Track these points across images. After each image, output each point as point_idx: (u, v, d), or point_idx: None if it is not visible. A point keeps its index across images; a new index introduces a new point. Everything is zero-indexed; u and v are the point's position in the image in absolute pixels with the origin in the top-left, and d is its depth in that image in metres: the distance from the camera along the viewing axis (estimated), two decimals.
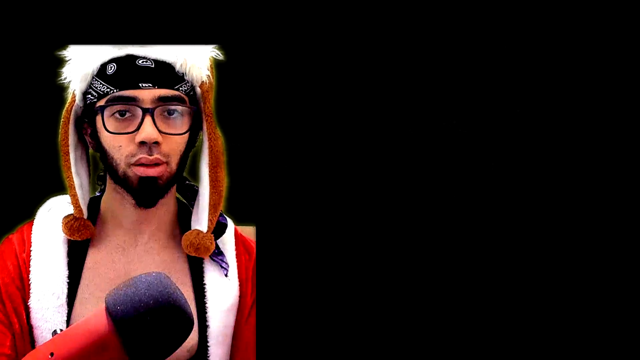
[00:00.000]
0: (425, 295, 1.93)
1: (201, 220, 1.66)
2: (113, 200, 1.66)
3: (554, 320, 1.93)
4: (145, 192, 1.61)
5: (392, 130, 1.95)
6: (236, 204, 1.83)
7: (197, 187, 1.69)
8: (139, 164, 1.57)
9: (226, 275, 1.67)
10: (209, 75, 1.64)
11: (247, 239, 1.76)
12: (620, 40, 1.95)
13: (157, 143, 1.57)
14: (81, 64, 1.61)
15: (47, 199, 1.74)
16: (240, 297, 1.68)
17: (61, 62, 1.65)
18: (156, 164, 1.58)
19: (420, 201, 1.94)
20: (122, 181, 1.61)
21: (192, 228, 1.67)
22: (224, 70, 1.73)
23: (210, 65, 1.66)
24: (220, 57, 1.68)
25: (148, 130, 1.55)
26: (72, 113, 1.63)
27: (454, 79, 1.95)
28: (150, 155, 1.57)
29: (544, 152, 1.95)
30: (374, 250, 1.93)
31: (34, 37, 1.93)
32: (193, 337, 1.61)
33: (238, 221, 1.80)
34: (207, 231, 1.65)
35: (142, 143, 1.56)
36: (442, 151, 1.94)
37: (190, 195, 1.72)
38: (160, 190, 1.62)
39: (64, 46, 1.65)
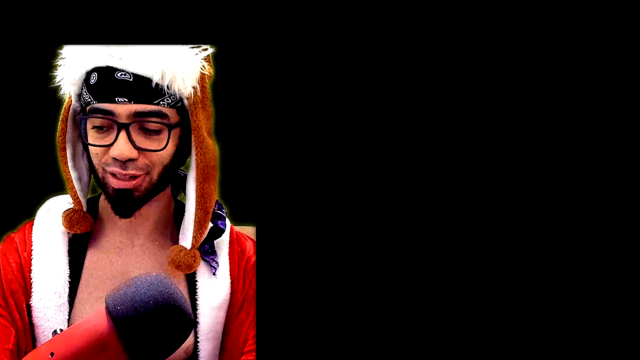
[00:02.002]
0: (424, 295, 1.93)
1: (185, 237, 1.64)
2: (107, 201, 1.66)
3: (554, 320, 1.93)
4: (120, 203, 1.59)
5: (392, 130, 1.95)
6: (236, 204, 1.83)
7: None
8: (112, 174, 1.56)
9: (214, 274, 1.67)
10: (195, 88, 1.59)
11: (242, 237, 1.75)
12: (620, 40, 1.95)
13: (131, 160, 1.54)
14: (71, 68, 1.60)
15: (47, 198, 1.73)
16: (231, 294, 1.68)
17: (57, 62, 1.64)
18: (132, 176, 1.56)
19: (420, 201, 1.94)
20: (102, 186, 1.60)
21: (179, 242, 1.65)
22: (225, 70, 1.72)
23: (201, 77, 1.60)
24: (206, 71, 1.61)
25: (121, 148, 1.53)
26: (71, 112, 1.63)
27: (454, 78, 1.95)
28: (124, 170, 1.55)
29: (543, 152, 1.95)
30: (374, 249, 1.93)
31: (31, 35, 1.93)
32: (189, 338, 1.61)
33: (238, 221, 1.80)
34: (191, 248, 1.63)
35: (115, 159, 1.55)
36: (442, 151, 1.94)
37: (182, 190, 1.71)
38: (136, 201, 1.59)
39: (61, 45, 1.64)
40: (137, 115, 1.54)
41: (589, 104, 1.95)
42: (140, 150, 1.55)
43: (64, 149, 1.63)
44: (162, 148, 1.56)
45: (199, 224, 1.62)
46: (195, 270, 1.67)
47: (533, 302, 1.93)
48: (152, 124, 1.55)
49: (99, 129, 1.56)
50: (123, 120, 1.54)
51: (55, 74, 1.64)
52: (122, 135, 1.54)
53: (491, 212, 1.94)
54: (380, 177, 1.94)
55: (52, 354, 1.32)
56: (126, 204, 1.59)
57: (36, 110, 1.99)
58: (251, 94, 1.95)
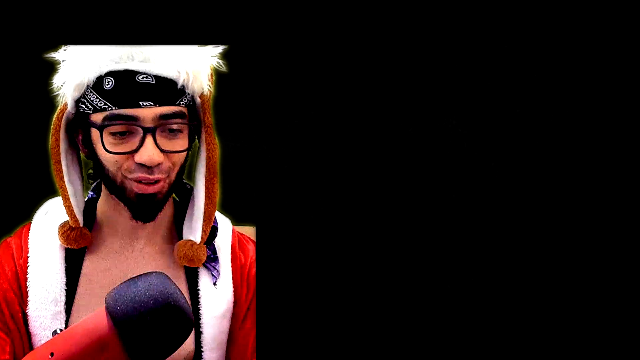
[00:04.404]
0: (424, 295, 1.93)
1: (195, 231, 1.62)
2: (108, 206, 1.63)
3: (553, 320, 1.93)
4: (143, 208, 1.57)
5: (392, 130, 1.95)
6: (236, 204, 1.82)
7: (190, 185, 1.66)
8: (137, 180, 1.53)
9: (215, 284, 1.64)
10: (210, 86, 1.58)
11: (244, 240, 1.73)
12: (620, 40, 1.95)
13: (157, 164, 1.52)
14: (76, 73, 1.55)
15: (44, 201, 1.71)
16: (234, 302, 1.66)
17: (57, 65, 1.62)
18: (157, 180, 1.53)
19: (420, 201, 1.94)
20: (119, 192, 1.56)
21: (185, 237, 1.63)
22: (225, 70, 1.71)
23: (210, 73, 1.60)
24: (222, 67, 1.61)
25: (150, 153, 1.50)
26: (63, 119, 1.59)
27: (454, 78, 1.95)
28: (151, 174, 1.52)
29: (543, 152, 1.95)
30: (373, 249, 1.93)
31: (31, 36, 1.93)
32: (190, 345, 1.59)
33: (238, 221, 1.78)
34: (200, 242, 1.61)
35: (142, 164, 1.52)
36: (442, 151, 1.94)
37: (183, 193, 1.68)
38: (158, 204, 1.58)
39: (61, 45, 1.62)
40: (162, 118, 1.51)
41: (588, 104, 1.95)
42: (165, 152, 1.52)
43: (59, 162, 1.59)
44: (186, 149, 1.55)
45: (209, 218, 1.61)
46: (197, 279, 1.64)
47: (532, 301, 1.93)
48: (176, 124, 1.53)
49: (119, 135, 1.52)
50: (148, 124, 1.50)
51: (56, 77, 1.60)
52: (149, 140, 1.50)
53: (491, 212, 1.94)
54: (380, 177, 1.94)
55: (52, 354, 1.32)
56: (149, 208, 1.57)
57: (34, 111, 1.98)
58: (251, 94, 1.95)
